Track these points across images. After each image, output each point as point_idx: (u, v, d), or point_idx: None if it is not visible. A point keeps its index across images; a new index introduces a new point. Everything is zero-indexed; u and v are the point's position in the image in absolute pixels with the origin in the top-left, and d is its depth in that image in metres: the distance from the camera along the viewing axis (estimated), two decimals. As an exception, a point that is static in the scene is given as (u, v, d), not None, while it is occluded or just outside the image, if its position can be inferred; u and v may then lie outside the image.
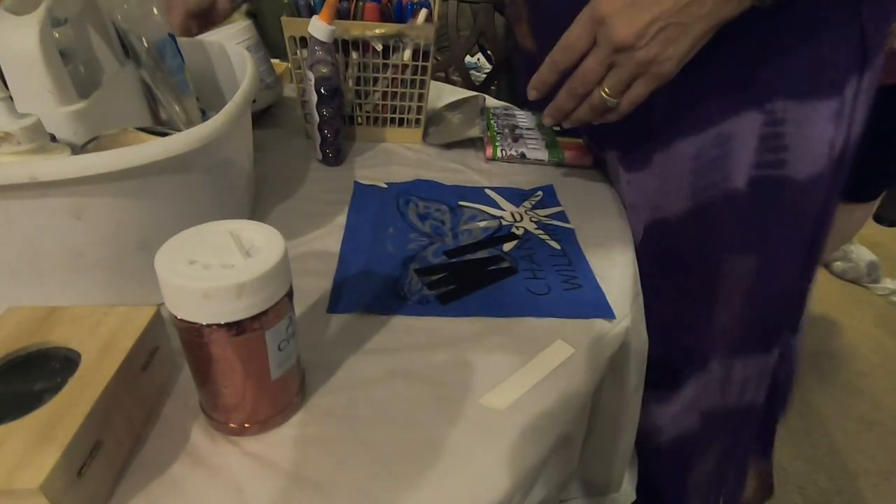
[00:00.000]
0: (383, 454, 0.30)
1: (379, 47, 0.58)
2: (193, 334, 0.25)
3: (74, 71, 0.43)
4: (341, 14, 0.57)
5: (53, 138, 0.36)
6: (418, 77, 0.62)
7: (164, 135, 0.36)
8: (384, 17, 0.59)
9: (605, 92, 0.41)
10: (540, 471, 0.33)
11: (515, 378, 0.34)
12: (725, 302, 0.50)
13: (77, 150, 0.36)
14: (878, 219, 1.22)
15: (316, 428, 0.31)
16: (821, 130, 0.43)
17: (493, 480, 0.29)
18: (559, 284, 0.43)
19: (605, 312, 0.40)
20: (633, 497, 0.50)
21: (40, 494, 0.21)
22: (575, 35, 0.40)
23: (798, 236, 0.48)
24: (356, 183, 0.56)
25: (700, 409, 0.54)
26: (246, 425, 0.29)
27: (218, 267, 0.24)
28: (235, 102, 0.38)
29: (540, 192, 0.57)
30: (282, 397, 0.30)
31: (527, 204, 0.55)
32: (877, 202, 1.17)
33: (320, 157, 0.60)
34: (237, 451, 0.29)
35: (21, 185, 0.28)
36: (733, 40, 0.40)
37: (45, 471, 0.21)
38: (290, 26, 0.57)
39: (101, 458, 0.25)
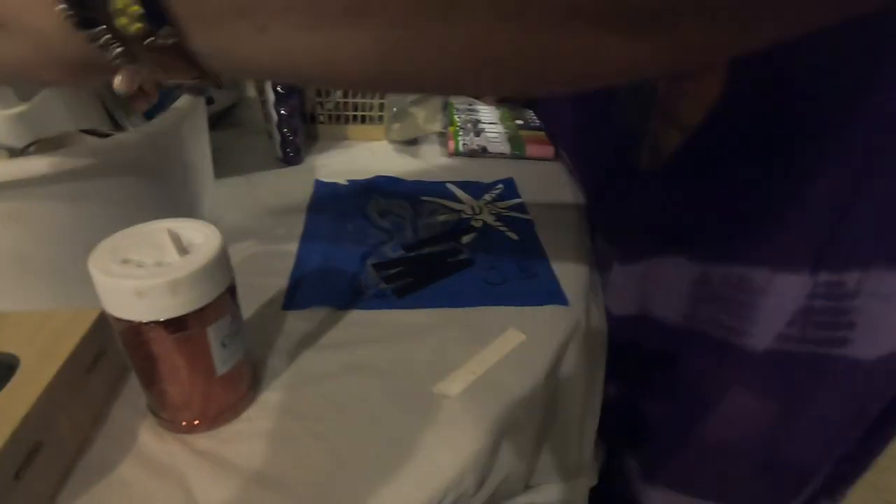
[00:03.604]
0: (336, 447, 0.30)
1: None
2: (132, 333, 0.25)
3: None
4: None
5: (-7, 143, 0.36)
6: (377, 74, 0.62)
7: (105, 135, 0.35)
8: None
9: None
10: (494, 454, 0.33)
11: (468, 366, 0.35)
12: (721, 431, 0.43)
13: (16, 153, 0.35)
14: None
15: (268, 423, 0.31)
16: None
17: (444, 465, 0.30)
18: (515, 274, 0.44)
19: (559, 299, 0.41)
20: (595, 481, 0.51)
21: (-28, 498, 0.21)
22: None
23: (851, 416, 0.39)
24: (317, 181, 0.56)
25: None
26: (195, 423, 0.29)
27: (152, 265, 0.24)
28: (182, 103, 0.37)
29: (500, 185, 0.58)
30: (231, 393, 0.30)
31: (487, 197, 0.56)
32: None
33: (281, 157, 0.60)
34: (186, 449, 0.29)
35: (-47, 190, 0.28)
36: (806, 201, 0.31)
37: (-23, 474, 0.21)
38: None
39: (41, 460, 0.25)
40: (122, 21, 0.17)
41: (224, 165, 0.57)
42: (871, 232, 0.32)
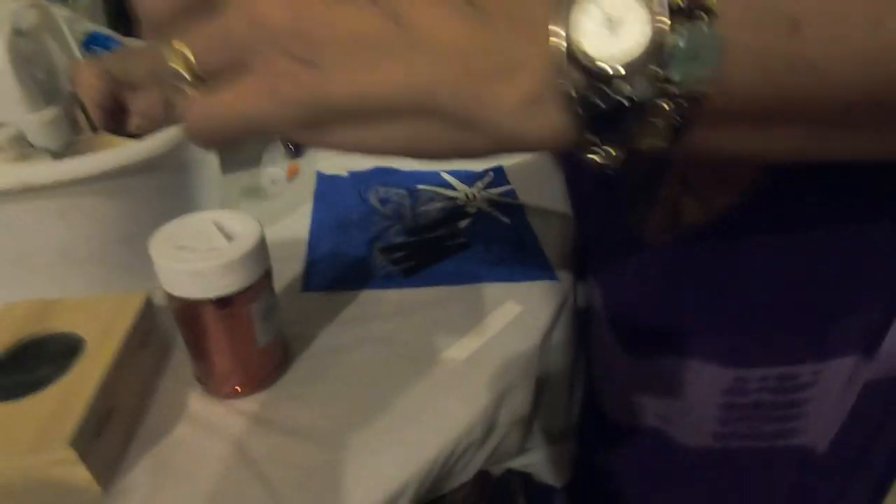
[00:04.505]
0: (358, 405, 0.34)
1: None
2: (187, 310, 0.29)
3: (36, 79, 0.45)
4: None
5: (29, 145, 0.39)
6: (371, 70, 0.65)
7: (134, 136, 0.38)
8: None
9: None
10: (497, 410, 0.38)
11: (471, 335, 0.40)
12: None
13: (55, 154, 0.38)
14: None
15: (300, 388, 0.35)
16: None
17: (457, 416, 0.34)
18: (509, 254, 0.49)
19: (549, 275, 0.46)
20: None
21: (70, 449, 0.25)
22: None
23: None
24: (319, 173, 0.60)
25: None
26: (238, 388, 0.33)
27: (205, 250, 0.28)
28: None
29: (491, 173, 0.62)
30: (268, 362, 0.34)
31: (479, 184, 0.60)
32: None
33: (282, 150, 0.63)
34: (232, 411, 0.33)
35: (13, 191, 0.31)
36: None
37: (72, 429, 0.25)
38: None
39: (113, 424, 0.29)
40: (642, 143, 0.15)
41: (227, 160, 0.60)
42: None
